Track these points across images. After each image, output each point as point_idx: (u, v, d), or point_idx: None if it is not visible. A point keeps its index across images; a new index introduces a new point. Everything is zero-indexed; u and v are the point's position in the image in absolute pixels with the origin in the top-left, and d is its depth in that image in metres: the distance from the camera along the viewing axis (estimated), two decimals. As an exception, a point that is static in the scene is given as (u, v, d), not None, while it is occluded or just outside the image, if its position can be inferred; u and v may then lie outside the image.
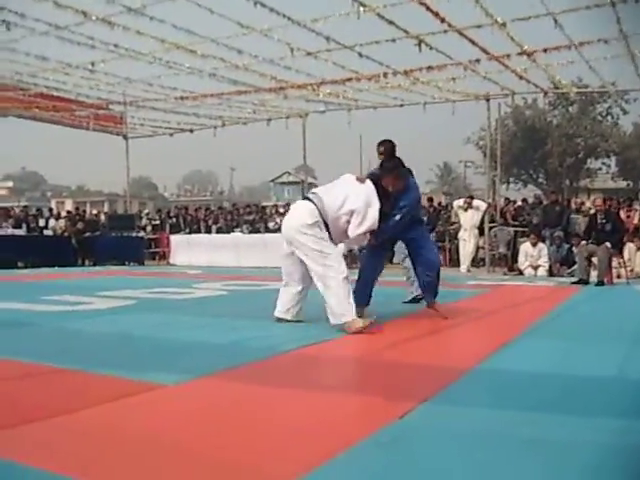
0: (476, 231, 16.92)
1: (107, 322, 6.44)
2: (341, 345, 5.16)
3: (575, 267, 13.17)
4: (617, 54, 14.08)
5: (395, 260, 9.59)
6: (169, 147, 70.61)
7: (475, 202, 17.06)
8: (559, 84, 17.31)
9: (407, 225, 6.40)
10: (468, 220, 16.85)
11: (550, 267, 15.10)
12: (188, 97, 18.85)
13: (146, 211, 32.66)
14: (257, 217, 24.55)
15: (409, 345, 5.05)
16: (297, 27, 12.69)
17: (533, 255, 15.11)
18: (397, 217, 6.24)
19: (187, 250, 20.97)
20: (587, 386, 3.66)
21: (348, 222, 5.75)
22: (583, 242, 12.25)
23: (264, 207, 28.52)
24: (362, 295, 6.32)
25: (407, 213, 6.29)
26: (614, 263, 12.36)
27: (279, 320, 6.16)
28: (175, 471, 2.30)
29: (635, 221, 17.86)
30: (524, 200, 22.96)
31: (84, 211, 28.04)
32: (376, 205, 5.79)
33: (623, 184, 47.27)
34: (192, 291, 9.92)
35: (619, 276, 12.99)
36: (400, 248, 7.70)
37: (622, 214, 16.04)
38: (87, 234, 21.11)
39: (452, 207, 19.25)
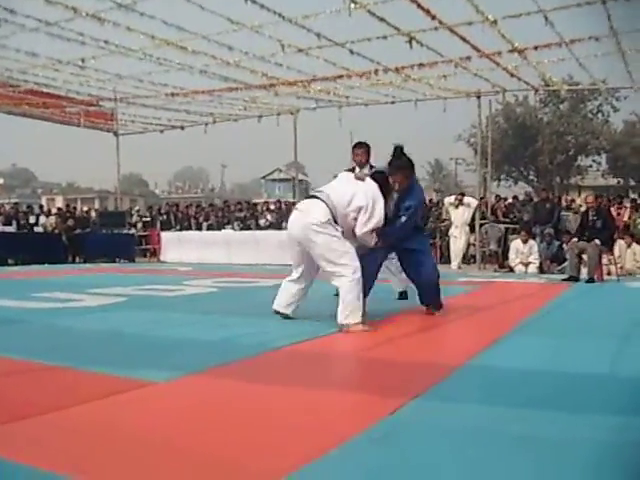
0: (467, 228, 16.97)
1: (97, 319, 6.42)
2: (332, 342, 5.16)
3: (565, 264, 13.19)
4: (608, 51, 14.13)
5: None
6: (160, 144, 70.46)
7: (466, 199, 17.10)
8: (550, 81, 17.34)
9: (410, 230, 6.34)
10: (459, 217, 16.90)
11: (540, 264, 15.15)
12: (179, 94, 18.83)
13: (137, 208, 32.68)
14: (248, 214, 24.55)
15: (400, 342, 5.06)
16: (288, 24, 12.69)
17: (524, 252, 15.14)
18: (403, 219, 6.17)
19: (178, 247, 20.97)
20: (578, 383, 3.66)
21: (355, 219, 5.71)
22: (573, 239, 12.29)
23: (255, 204, 28.51)
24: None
25: (413, 214, 6.22)
26: (604, 260, 12.39)
27: (276, 313, 6.11)
28: (165, 468, 2.29)
29: (625, 218, 17.95)
30: (515, 197, 23.04)
31: (74, 208, 28.03)
32: (381, 202, 5.75)
33: (613, 181, 47.46)
34: (183, 288, 9.90)
35: (609, 273, 13.02)
36: None
37: (612, 211, 16.09)
38: (77, 231, 21.07)
39: (443, 204, 19.30)
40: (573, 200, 23.23)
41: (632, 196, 27.43)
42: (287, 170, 60.89)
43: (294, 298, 6.09)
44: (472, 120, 37.31)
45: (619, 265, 13.51)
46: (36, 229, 22.45)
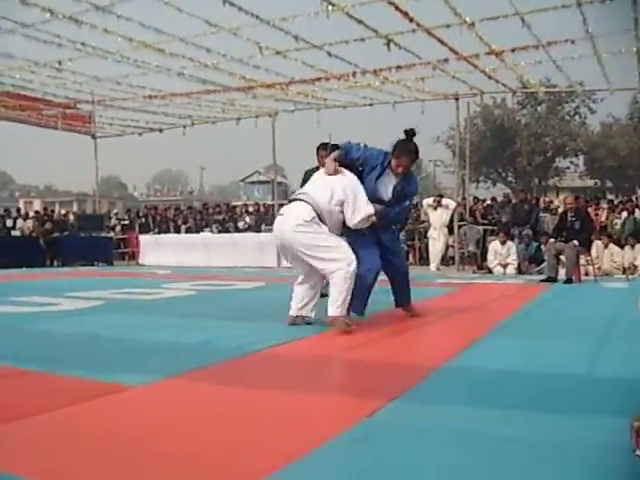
0: (445, 230, 17.02)
1: (75, 323, 6.39)
2: (311, 344, 5.15)
3: (543, 265, 13.29)
4: (584, 54, 14.23)
5: None
6: (138, 146, 70.33)
7: (444, 201, 17.16)
8: (527, 84, 17.46)
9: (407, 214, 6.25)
10: (437, 219, 16.94)
11: (519, 265, 15.23)
12: (157, 96, 18.74)
13: (115, 211, 32.51)
14: (227, 217, 24.53)
15: (379, 343, 5.06)
16: (266, 26, 12.66)
17: (502, 253, 15.22)
18: (407, 203, 6.17)
19: (156, 250, 20.91)
20: (556, 384, 3.68)
21: (342, 212, 5.70)
22: (551, 240, 12.37)
23: (234, 207, 28.48)
24: (357, 305, 6.02)
25: (411, 202, 6.20)
26: (582, 261, 12.47)
27: (295, 319, 5.95)
28: (141, 470, 2.28)
29: (602, 219, 18.09)
30: (493, 199, 23.14)
31: (52, 211, 27.85)
32: (362, 191, 5.74)
33: (591, 183, 47.85)
34: (161, 291, 9.86)
35: (587, 273, 13.12)
36: None
37: (590, 212, 16.20)
38: (55, 234, 20.96)
39: (422, 206, 19.33)
40: (551, 201, 23.38)
41: (609, 197, 27.66)
42: (266, 172, 60.76)
43: (305, 300, 5.96)
44: (450, 122, 37.67)
45: (596, 266, 13.62)
46: (14, 233, 22.37)
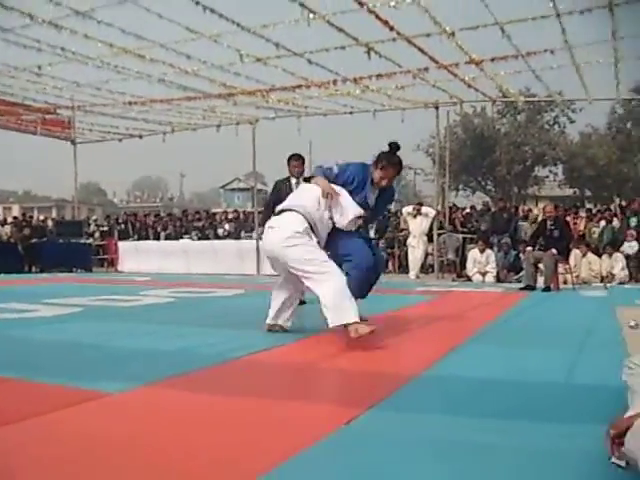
0: (425, 238, 17.07)
1: (53, 330, 6.35)
2: (290, 352, 5.15)
3: (522, 273, 13.35)
4: (563, 64, 14.34)
5: None
6: (118, 153, 69.74)
7: (424, 209, 17.23)
8: (507, 93, 17.56)
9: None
10: (417, 227, 16.98)
11: (498, 273, 15.31)
12: (137, 102, 18.69)
13: (94, 217, 32.38)
14: (206, 224, 24.46)
15: (356, 352, 5.04)
16: (246, 33, 12.68)
17: (481, 261, 15.29)
18: (385, 212, 6.18)
19: (135, 257, 20.85)
20: (534, 391, 3.69)
21: (331, 218, 5.72)
22: (529, 248, 12.44)
23: (214, 214, 28.39)
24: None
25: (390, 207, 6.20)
26: (560, 269, 12.56)
27: (271, 327, 5.93)
28: (127, 475, 2.27)
29: (581, 228, 18.21)
30: (472, 207, 23.25)
31: (31, 217, 27.70)
32: (345, 193, 5.77)
33: (570, 192, 48.09)
34: (140, 298, 9.82)
35: (565, 282, 13.19)
36: None
37: (569, 221, 16.31)
38: (34, 240, 20.83)
39: (401, 214, 19.38)
40: (530, 210, 23.49)
41: (587, 206, 27.83)
42: (246, 180, 60.73)
43: (283, 308, 5.92)
44: (430, 130, 37.86)
45: (575, 274, 13.70)
46: (-9, 238, 22.16)
